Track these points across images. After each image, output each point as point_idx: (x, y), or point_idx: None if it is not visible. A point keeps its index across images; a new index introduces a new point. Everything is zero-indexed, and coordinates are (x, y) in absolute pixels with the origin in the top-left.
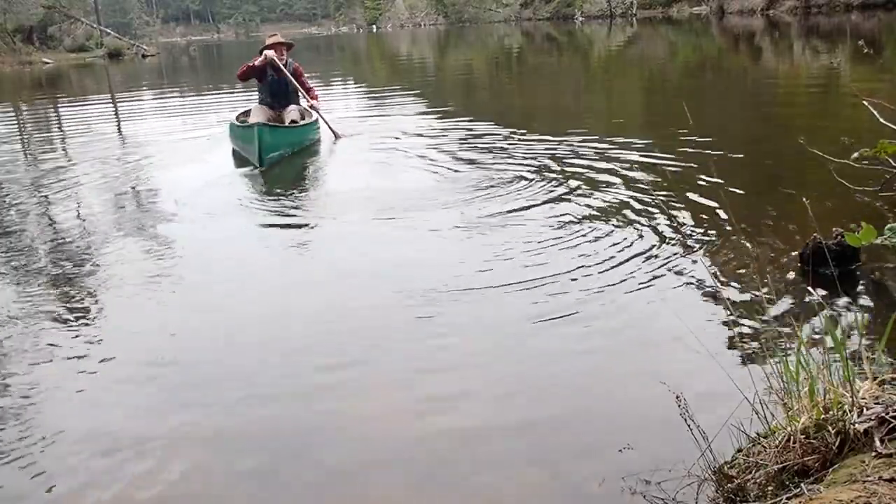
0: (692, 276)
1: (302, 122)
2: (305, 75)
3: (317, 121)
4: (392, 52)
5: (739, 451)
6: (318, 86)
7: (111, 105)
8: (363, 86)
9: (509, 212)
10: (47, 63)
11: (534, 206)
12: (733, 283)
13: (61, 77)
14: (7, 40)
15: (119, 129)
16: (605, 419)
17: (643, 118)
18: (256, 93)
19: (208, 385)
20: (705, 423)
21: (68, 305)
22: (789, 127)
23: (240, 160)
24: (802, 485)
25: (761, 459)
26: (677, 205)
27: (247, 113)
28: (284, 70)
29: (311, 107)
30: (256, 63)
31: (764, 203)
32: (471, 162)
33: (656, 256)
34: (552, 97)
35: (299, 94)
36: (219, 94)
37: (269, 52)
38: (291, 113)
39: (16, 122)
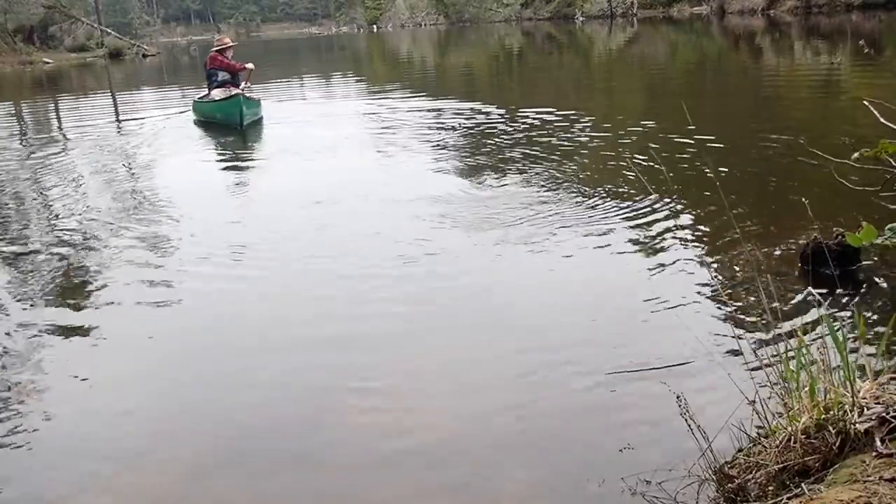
0: (692, 276)
1: (256, 98)
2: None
3: (260, 100)
4: (393, 52)
5: (740, 450)
6: (319, 83)
7: (110, 101)
8: (364, 84)
9: (506, 209)
10: (48, 63)
11: (532, 205)
12: (733, 283)
13: (62, 76)
14: (7, 40)
15: (118, 122)
16: (606, 419)
17: (642, 118)
18: (206, 81)
19: (208, 386)
20: (705, 423)
21: (64, 297)
22: (790, 127)
23: (207, 127)
24: (803, 485)
25: (762, 459)
26: (677, 205)
27: (204, 97)
28: (235, 63)
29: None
30: (248, 66)
31: (764, 203)
32: (470, 158)
33: (656, 256)
34: (550, 95)
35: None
36: None
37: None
38: (242, 90)
39: (16, 118)
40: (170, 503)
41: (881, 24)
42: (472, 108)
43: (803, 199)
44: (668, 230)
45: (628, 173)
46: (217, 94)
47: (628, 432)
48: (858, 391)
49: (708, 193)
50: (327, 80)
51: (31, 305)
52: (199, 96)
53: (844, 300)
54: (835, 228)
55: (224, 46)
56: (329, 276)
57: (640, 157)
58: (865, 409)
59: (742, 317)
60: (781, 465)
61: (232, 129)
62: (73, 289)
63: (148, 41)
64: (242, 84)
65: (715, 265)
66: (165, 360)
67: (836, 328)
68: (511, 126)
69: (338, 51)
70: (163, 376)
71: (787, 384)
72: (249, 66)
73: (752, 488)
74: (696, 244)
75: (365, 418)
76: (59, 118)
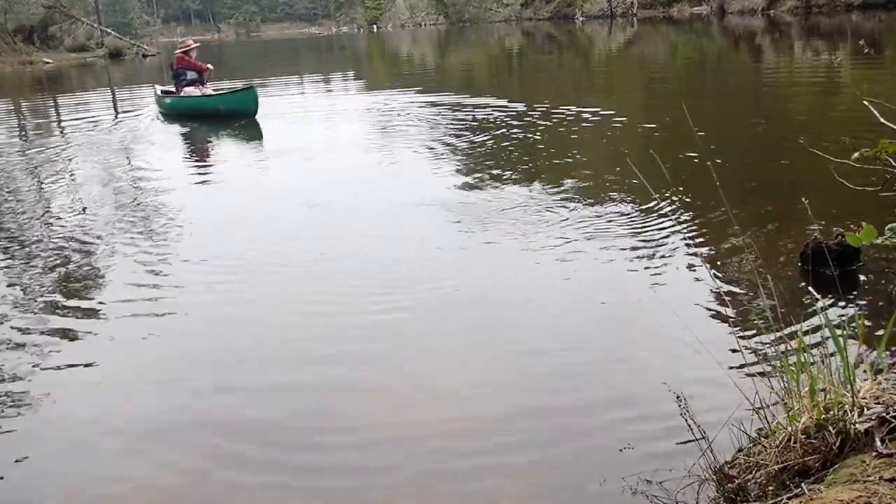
0: (693, 277)
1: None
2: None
3: None
4: (393, 52)
5: (740, 450)
6: (319, 83)
7: (110, 100)
8: (364, 83)
9: (505, 210)
10: (48, 63)
11: (532, 206)
12: (734, 284)
13: (62, 76)
14: (7, 40)
15: (116, 120)
16: (606, 419)
17: (642, 118)
18: (175, 79)
19: (206, 386)
20: (705, 423)
21: (61, 296)
22: (790, 127)
23: (201, 122)
24: (803, 485)
25: (762, 459)
26: (677, 205)
27: (168, 93)
28: (201, 64)
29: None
30: (211, 67)
31: (764, 203)
32: (471, 152)
33: (656, 256)
34: (550, 95)
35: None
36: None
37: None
38: (208, 88)
39: (15, 116)
40: (169, 503)
41: (881, 24)
42: (472, 108)
43: (803, 199)
44: (668, 230)
45: (628, 173)
46: (191, 91)
47: (628, 432)
48: (858, 391)
49: (708, 193)
50: (327, 80)
51: (29, 305)
52: (162, 90)
53: (844, 300)
54: (835, 228)
55: (188, 48)
56: (328, 277)
57: (641, 156)
58: (865, 409)
59: (742, 317)
60: (781, 465)
61: (230, 125)
62: (70, 289)
63: (148, 41)
64: (206, 82)
65: (715, 265)
66: (162, 361)
67: (836, 328)
68: (511, 126)
69: (338, 51)
70: (159, 377)
71: (787, 384)
72: (210, 66)
73: (752, 488)
74: (696, 244)
75: (364, 418)
76: (58, 116)
